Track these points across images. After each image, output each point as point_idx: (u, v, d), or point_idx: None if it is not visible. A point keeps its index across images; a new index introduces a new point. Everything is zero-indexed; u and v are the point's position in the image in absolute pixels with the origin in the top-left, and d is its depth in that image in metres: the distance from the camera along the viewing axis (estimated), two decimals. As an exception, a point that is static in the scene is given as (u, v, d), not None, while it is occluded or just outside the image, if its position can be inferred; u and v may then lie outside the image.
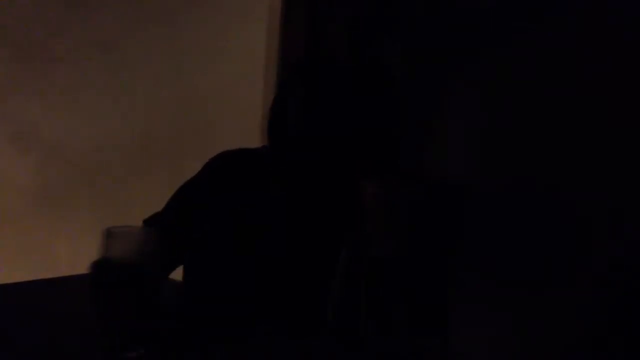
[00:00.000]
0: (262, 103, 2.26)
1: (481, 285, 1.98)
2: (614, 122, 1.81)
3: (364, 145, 1.52)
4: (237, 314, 1.46)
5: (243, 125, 2.37)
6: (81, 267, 1.29)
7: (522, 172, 1.99)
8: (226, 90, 2.42)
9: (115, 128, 2.61)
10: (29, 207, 2.73)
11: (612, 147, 1.81)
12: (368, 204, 1.28)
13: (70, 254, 2.69)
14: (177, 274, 1.62)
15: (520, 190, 1.98)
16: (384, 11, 2.12)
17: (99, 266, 1.22)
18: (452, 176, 2.06)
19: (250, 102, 2.29)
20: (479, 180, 2.03)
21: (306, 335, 1.36)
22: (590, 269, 1.83)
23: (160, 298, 1.35)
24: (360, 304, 1.33)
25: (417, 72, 2.10)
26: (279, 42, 2.27)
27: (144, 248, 1.33)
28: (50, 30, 2.61)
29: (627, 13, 1.75)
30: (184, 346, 1.32)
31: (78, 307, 1.36)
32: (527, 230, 1.93)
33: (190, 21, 2.46)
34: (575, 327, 1.84)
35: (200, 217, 1.52)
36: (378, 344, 1.36)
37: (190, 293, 1.54)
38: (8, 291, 1.56)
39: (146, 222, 1.58)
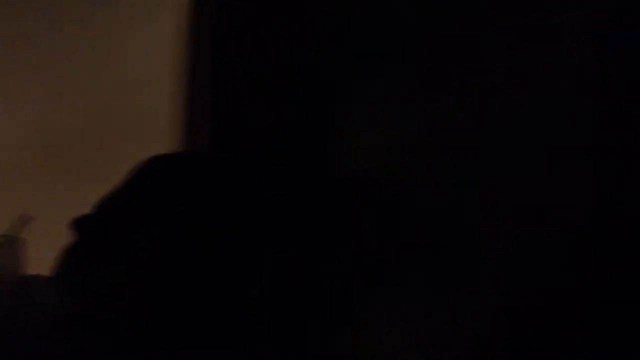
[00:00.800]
0: (171, 102, 2.21)
1: (394, 284, 1.98)
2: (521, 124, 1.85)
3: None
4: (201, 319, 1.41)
5: (152, 124, 2.31)
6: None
7: (433, 171, 2.00)
8: (132, 89, 2.36)
9: (11, 129, 2.51)
10: None
11: (521, 150, 1.85)
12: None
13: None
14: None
15: (430, 190, 2.00)
16: (299, 10, 2.10)
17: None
18: (363, 173, 2.06)
19: (158, 101, 2.24)
20: (391, 179, 2.03)
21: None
22: (498, 269, 1.86)
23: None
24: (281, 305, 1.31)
25: (330, 69, 2.09)
26: (188, 39, 2.21)
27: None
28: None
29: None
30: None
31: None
32: (437, 230, 1.95)
33: (95, 18, 2.40)
34: (484, 327, 1.86)
35: (148, 222, 1.45)
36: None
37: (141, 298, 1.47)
38: None
39: (77, 222, 1.48)
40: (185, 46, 2.20)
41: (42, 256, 1.79)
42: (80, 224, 1.48)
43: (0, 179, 2.51)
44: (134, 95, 2.36)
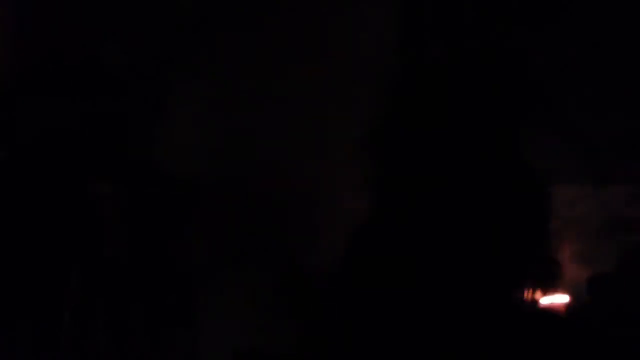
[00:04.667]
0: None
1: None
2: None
3: None
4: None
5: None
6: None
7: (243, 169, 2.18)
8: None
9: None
10: None
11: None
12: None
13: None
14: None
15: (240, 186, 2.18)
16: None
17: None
18: (180, 172, 2.20)
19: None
20: (205, 176, 2.19)
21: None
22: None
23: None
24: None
25: (143, 71, 2.17)
26: None
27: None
28: None
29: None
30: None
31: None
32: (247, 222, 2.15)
33: None
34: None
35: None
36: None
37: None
38: None
39: None
40: None
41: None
42: None
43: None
44: None
